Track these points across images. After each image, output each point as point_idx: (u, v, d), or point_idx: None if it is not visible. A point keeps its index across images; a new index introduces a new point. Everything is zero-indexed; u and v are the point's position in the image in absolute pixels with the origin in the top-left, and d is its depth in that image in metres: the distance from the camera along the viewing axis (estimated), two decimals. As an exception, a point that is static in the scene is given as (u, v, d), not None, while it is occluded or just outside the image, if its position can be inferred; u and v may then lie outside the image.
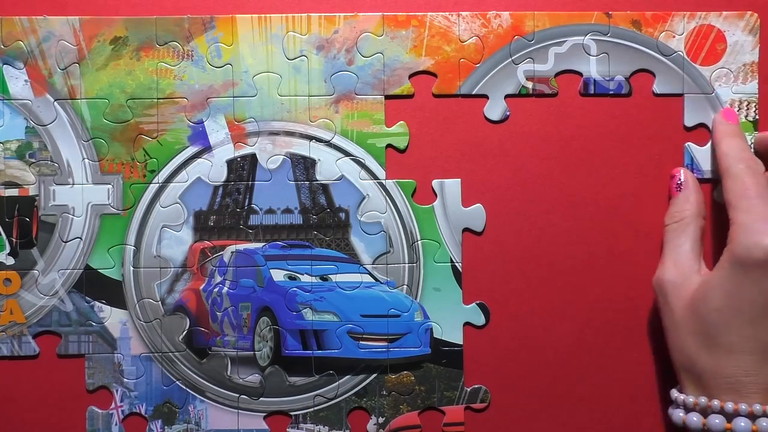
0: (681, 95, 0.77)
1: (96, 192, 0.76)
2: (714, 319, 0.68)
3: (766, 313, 0.66)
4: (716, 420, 0.67)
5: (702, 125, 0.77)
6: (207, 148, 0.77)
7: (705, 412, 0.68)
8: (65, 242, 0.76)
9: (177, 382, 0.77)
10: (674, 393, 0.71)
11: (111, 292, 0.76)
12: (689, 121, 0.77)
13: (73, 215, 0.76)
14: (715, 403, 0.67)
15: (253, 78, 0.77)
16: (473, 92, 0.77)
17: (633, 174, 0.77)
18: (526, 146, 0.77)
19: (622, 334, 0.77)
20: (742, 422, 0.66)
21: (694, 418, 0.68)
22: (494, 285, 0.77)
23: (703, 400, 0.68)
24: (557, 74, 0.77)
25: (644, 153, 0.77)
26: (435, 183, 0.77)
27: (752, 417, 0.66)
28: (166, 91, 0.76)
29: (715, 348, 0.67)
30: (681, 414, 0.69)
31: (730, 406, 0.66)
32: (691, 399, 0.69)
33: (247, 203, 0.77)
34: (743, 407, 0.66)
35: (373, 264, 0.77)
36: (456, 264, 0.77)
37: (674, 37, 0.77)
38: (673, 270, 0.72)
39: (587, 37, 0.77)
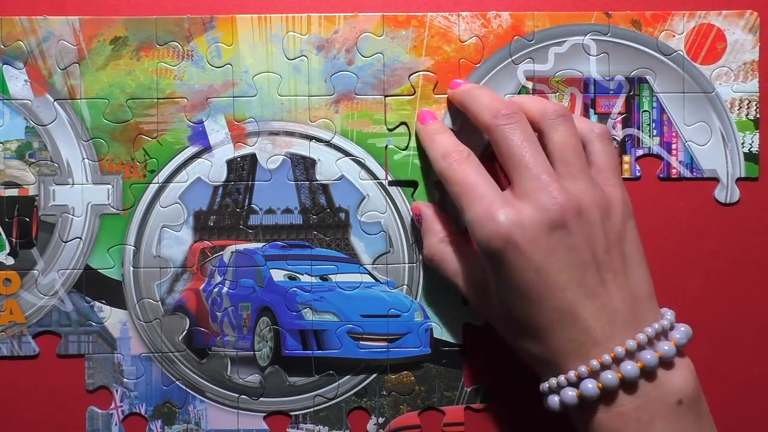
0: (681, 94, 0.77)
1: (96, 192, 0.76)
2: (511, 314, 0.67)
3: (542, 287, 0.64)
4: (589, 384, 0.63)
5: (702, 123, 0.77)
6: (207, 148, 0.77)
7: (576, 385, 0.65)
8: (65, 242, 0.76)
9: (177, 382, 0.77)
10: (543, 386, 0.67)
11: (111, 292, 0.76)
12: (689, 120, 0.77)
13: (73, 215, 0.76)
14: (582, 369, 0.64)
15: (253, 78, 0.77)
16: (473, 92, 0.77)
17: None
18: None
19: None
20: (609, 375, 0.63)
21: (569, 392, 0.64)
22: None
23: (571, 374, 0.64)
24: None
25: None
26: (435, 183, 0.77)
27: (617, 363, 0.64)
28: (166, 91, 0.76)
29: (534, 333, 0.66)
30: (556, 398, 0.66)
31: (594, 363, 0.63)
32: (563, 377, 0.65)
33: (247, 203, 0.77)
34: (606, 358, 0.63)
35: (373, 264, 0.77)
36: (456, 264, 0.77)
37: (674, 36, 0.77)
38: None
39: (587, 37, 0.77)
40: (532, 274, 0.64)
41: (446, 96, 0.76)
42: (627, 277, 0.66)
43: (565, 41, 0.77)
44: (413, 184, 0.77)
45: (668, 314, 0.67)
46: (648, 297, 0.66)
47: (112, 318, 0.76)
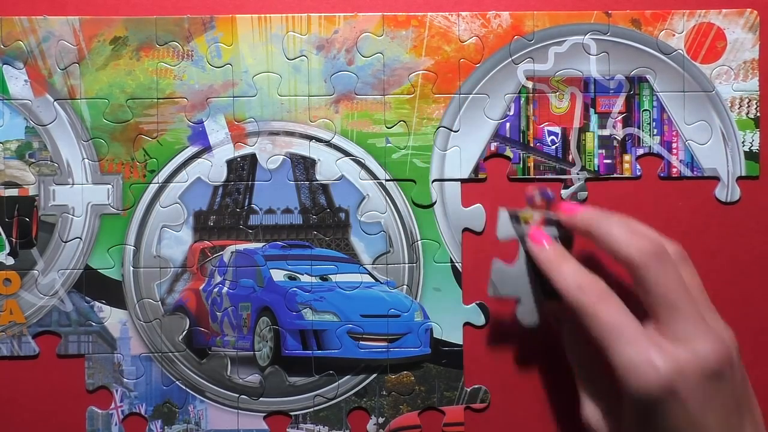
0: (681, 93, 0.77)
1: (96, 192, 0.76)
2: None
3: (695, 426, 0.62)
4: None
5: (702, 122, 0.77)
6: (207, 148, 0.77)
7: None
8: (65, 242, 0.76)
9: (177, 382, 0.77)
10: None
11: (111, 292, 0.76)
12: (689, 119, 0.77)
13: (73, 215, 0.76)
14: None
15: (253, 78, 0.77)
16: (473, 92, 0.77)
17: (633, 173, 0.77)
18: (526, 145, 0.77)
19: (622, 333, 0.77)
20: None
21: None
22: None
23: None
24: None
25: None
26: (435, 184, 0.77)
27: None
28: (166, 91, 0.76)
29: None
30: None
31: None
32: None
33: (247, 203, 0.77)
34: None
35: (373, 264, 0.77)
36: (456, 264, 0.77)
37: (674, 35, 0.77)
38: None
39: (587, 36, 0.77)
40: (685, 423, 0.61)
41: (446, 96, 0.76)
42: (752, 412, 0.65)
43: (565, 41, 0.77)
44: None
45: None
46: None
47: (112, 318, 0.76)
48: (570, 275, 0.66)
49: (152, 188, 0.77)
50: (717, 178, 0.77)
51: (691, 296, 0.64)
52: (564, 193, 0.77)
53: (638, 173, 0.78)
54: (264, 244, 0.77)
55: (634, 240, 0.64)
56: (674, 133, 0.77)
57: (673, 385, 0.60)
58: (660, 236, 0.66)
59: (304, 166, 0.77)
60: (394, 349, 0.77)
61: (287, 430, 0.77)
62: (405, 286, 0.77)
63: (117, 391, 0.76)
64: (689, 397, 0.61)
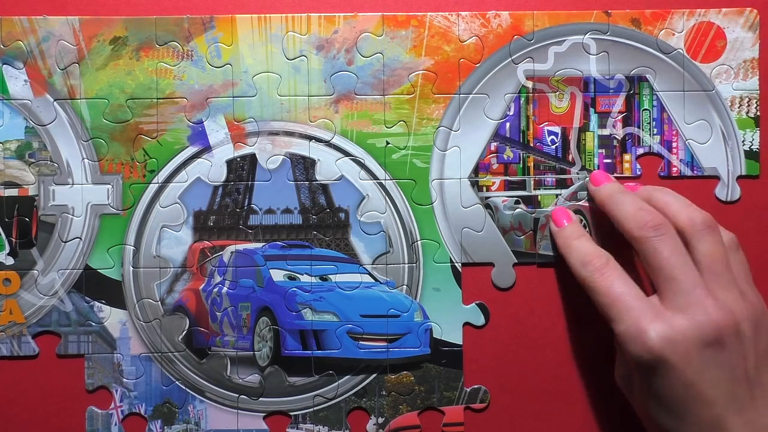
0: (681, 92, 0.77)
1: (96, 192, 0.76)
2: (654, 422, 0.67)
3: (690, 402, 0.64)
4: None
5: (702, 122, 0.77)
6: (207, 148, 0.77)
7: None
8: (65, 242, 0.76)
9: (176, 382, 0.77)
10: None
11: (110, 292, 0.76)
12: (689, 118, 0.77)
13: (73, 215, 0.76)
14: None
15: (253, 78, 0.77)
16: (473, 92, 0.77)
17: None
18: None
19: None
20: None
21: None
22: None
23: None
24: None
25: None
26: (434, 183, 0.77)
27: None
28: (165, 91, 0.76)
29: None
30: None
31: None
32: None
33: (246, 203, 0.77)
34: None
35: (372, 264, 0.77)
36: (456, 264, 0.77)
37: (674, 34, 0.77)
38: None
39: (587, 36, 0.77)
40: (681, 389, 0.64)
41: (445, 96, 0.77)
42: None
43: (565, 40, 0.77)
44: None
45: None
46: None
47: (112, 318, 0.76)
48: (577, 251, 0.71)
49: (152, 188, 0.77)
50: (717, 178, 0.77)
51: (692, 268, 0.66)
52: (564, 192, 0.77)
53: (638, 173, 0.77)
54: (264, 244, 0.77)
55: (638, 213, 0.68)
56: (674, 132, 0.77)
57: (662, 353, 0.64)
58: (707, 219, 0.69)
59: (303, 166, 0.77)
60: (393, 349, 0.77)
61: (287, 430, 0.77)
62: (405, 286, 0.77)
63: (117, 391, 0.76)
64: (683, 363, 0.63)
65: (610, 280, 0.68)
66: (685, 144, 0.77)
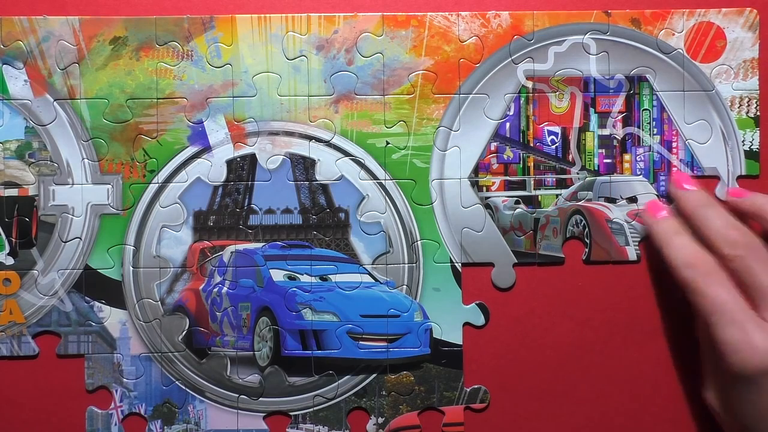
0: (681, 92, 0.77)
1: (96, 192, 0.76)
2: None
3: None
4: None
5: (702, 122, 0.77)
6: (206, 148, 0.77)
7: None
8: (65, 242, 0.76)
9: (176, 382, 0.77)
10: None
11: (110, 292, 0.76)
12: (689, 118, 0.77)
13: (73, 215, 0.76)
14: None
15: (253, 78, 0.77)
16: (473, 92, 0.77)
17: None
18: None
19: (622, 333, 0.77)
20: None
21: None
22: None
23: None
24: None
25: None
26: (434, 183, 0.77)
27: None
28: (165, 91, 0.76)
29: None
30: None
31: None
32: None
33: (246, 203, 0.77)
34: None
35: (372, 264, 0.77)
36: (456, 264, 0.77)
37: (674, 34, 0.77)
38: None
39: (587, 36, 0.77)
40: None
41: (445, 96, 0.76)
42: None
43: (565, 40, 0.77)
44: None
45: None
46: None
47: (112, 318, 0.76)
48: (680, 250, 0.70)
49: (152, 188, 0.77)
50: (717, 177, 0.77)
51: None
52: (564, 192, 0.77)
53: (638, 173, 0.77)
54: (264, 244, 0.77)
55: (727, 232, 0.69)
56: (674, 132, 0.77)
57: None
58: (759, 206, 0.71)
59: (303, 166, 0.77)
60: (393, 349, 0.77)
61: (287, 430, 0.77)
62: (405, 286, 0.77)
63: (117, 391, 0.76)
64: None
65: (716, 288, 0.67)
66: (685, 144, 0.77)
